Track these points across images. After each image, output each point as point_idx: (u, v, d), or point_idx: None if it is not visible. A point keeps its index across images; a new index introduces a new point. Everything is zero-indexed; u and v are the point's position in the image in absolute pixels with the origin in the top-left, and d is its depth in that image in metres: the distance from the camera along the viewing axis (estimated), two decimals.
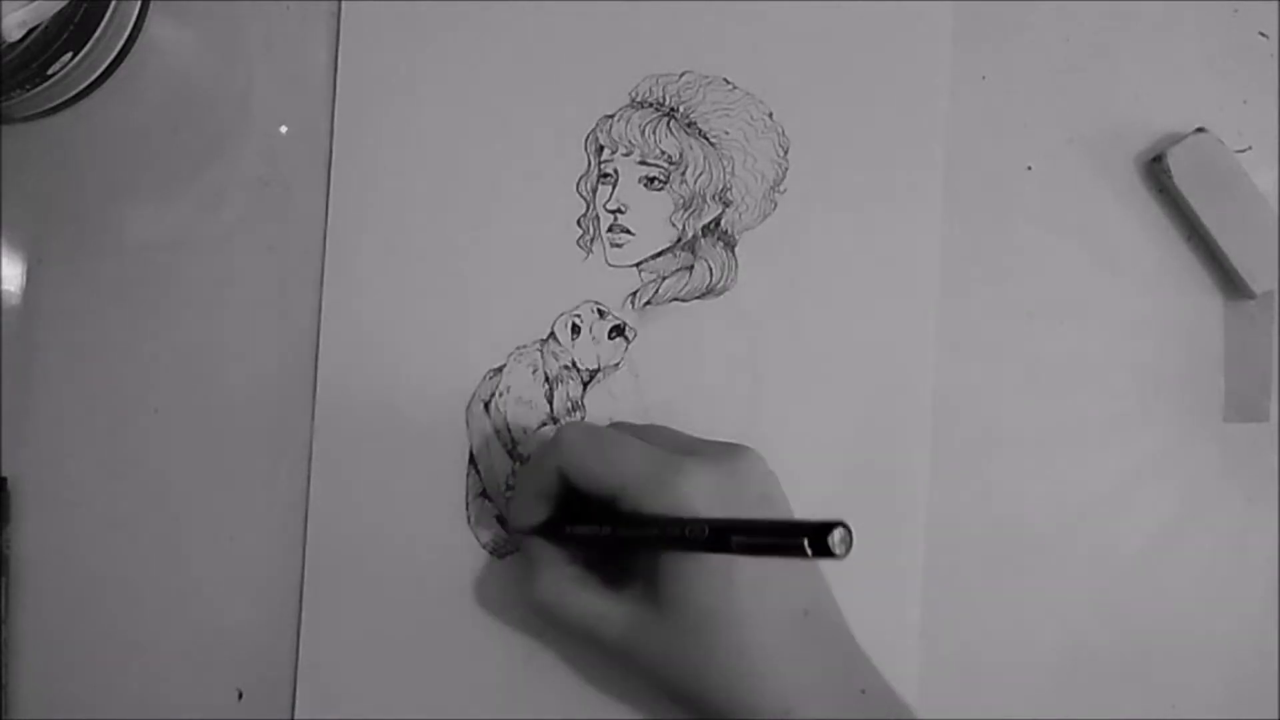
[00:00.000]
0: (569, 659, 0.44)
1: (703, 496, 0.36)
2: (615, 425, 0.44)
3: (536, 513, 0.41)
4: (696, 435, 0.43)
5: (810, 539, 0.30)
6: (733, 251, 0.45)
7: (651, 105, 0.45)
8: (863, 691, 0.38)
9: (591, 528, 0.39)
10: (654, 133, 0.45)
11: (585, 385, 0.45)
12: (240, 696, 0.44)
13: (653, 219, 0.45)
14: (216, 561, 0.44)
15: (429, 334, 0.45)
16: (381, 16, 0.45)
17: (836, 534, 0.29)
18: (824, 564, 0.40)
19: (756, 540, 0.33)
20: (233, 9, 0.46)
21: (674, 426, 0.44)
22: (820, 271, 0.45)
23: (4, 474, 0.44)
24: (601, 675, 0.44)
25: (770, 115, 0.46)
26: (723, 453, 0.39)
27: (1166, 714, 0.46)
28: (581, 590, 0.39)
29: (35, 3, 0.38)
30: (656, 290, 0.45)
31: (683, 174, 0.45)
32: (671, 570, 0.37)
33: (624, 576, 0.39)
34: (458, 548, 0.44)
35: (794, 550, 0.30)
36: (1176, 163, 0.45)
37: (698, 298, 0.45)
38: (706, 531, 0.34)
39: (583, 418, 0.45)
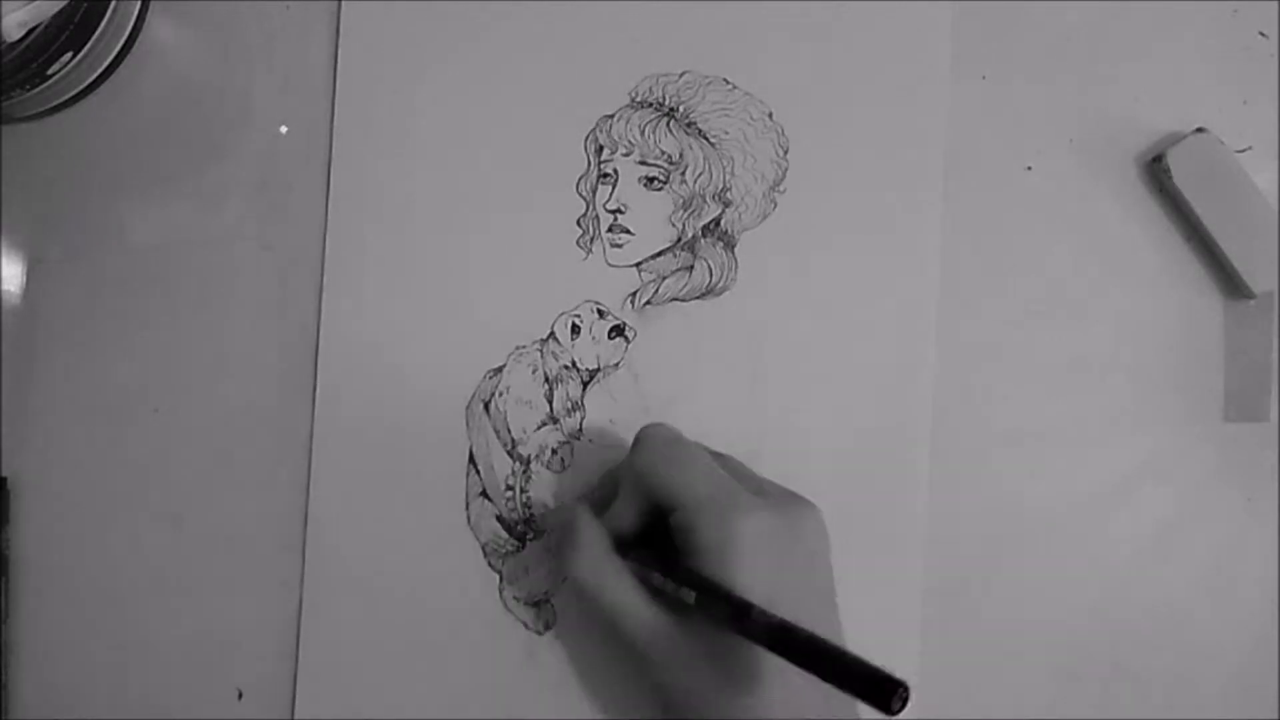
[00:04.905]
0: (569, 659, 0.44)
1: (753, 540, 0.36)
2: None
3: (603, 489, 0.42)
4: (697, 438, 0.42)
5: (873, 690, 0.30)
6: (732, 251, 0.45)
7: (651, 105, 0.45)
8: None
9: (650, 555, 0.39)
10: (654, 133, 0.45)
11: (585, 385, 0.45)
12: (240, 696, 0.44)
13: (652, 219, 0.45)
14: (216, 561, 0.44)
15: (429, 334, 0.45)
16: (381, 16, 0.45)
17: (899, 695, 0.30)
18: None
19: (815, 660, 0.32)
20: (233, 9, 0.46)
21: (674, 426, 0.44)
22: (820, 271, 0.45)
23: (4, 474, 0.44)
24: (602, 676, 0.44)
25: (770, 115, 0.46)
26: (785, 501, 0.39)
27: (1166, 714, 0.46)
28: (618, 580, 0.39)
29: (35, 3, 0.38)
30: (656, 290, 0.45)
31: (682, 174, 0.45)
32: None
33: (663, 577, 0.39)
34: (457, 548, 0.44)
35: (849, 689, 0.30)
36: (1176, 163, 0.45)
37: (697, 298, 0.45)
38: (773, 623, 0.34)
39: (582, 418, 0.45)
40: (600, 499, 0.42)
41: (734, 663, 0.36)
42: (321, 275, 0.45)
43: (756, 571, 0.36)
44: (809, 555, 0.39)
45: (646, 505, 0.40)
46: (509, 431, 0.45)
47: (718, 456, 0.42)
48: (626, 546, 0.40)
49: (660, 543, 0.39)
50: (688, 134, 0.45)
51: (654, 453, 0.39)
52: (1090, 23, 0.47)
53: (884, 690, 0.30)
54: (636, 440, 0.40)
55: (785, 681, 0.36)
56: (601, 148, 0.45)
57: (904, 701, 0.30)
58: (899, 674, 0.40)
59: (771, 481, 0.41)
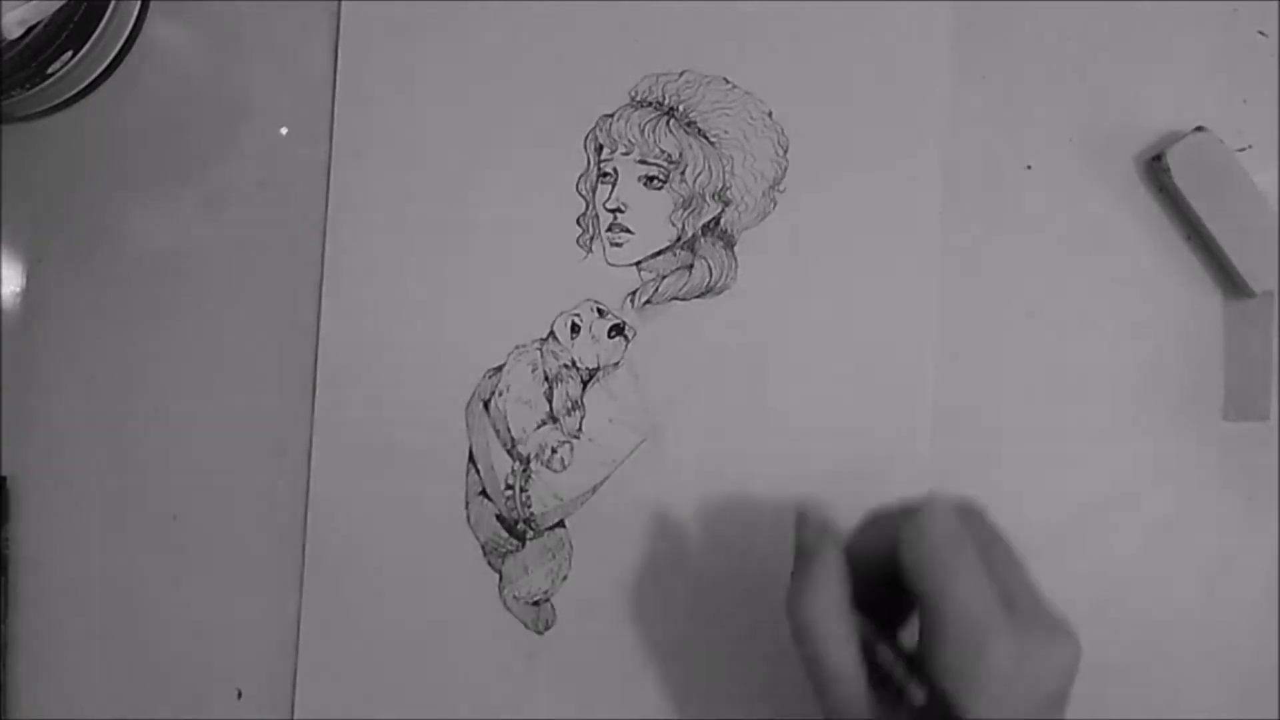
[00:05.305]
0: (569, 659, 0.44)
1: (1001, 678, 0.34)
2: (967, 511, 0.39)
3: (862, 535, 0.38)
4: (697, 437, 0.42)
5: None
6: (732, 250, 0.45)
7: (651, 104, 0.45)
8: None
9: (876, 628, 0.36)
10: (653, 132, 0.45)
11: (585, 384, 0.45)
12: (240, 696, 0.44)
13: (652, 218, 0.45)
14: (216, 561, 0.44)
15: (429, 334, 0.45)
16: (381, 16, 0.45)
17: None
18: None
19: None
20: (233, 9, 0.46)
21: (674, 426, 0.44)
22: (820, 271, 0.45)
23: (4, 474, 0.44)
24: (602, 676, 0.44)
25: (770, 114, 0.46)
26: (1044, 633, 0.36)
27: (1166, 714, 0.46)
28: (846, 643, 0.35)
29: (35, 1, 0.38)
30: (656, 289, 0.45)
31: (682, 173, 0.45)
32: None
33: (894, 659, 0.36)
34: (457, 547, 0.44)
35: None
36: (1176, 162, 0.45)
37: (697, 297, 0.45)
38: None
39: (582, 417, 0.45)
40: (848, 541, 0.38)
41: None
42: (321, 275, 0.45)
43: (995, 708, 0.34)
44: (1049, 699, 0.36)
45: (892, 574, 0.36)
46: (509, 430, 0.45)
47: (989, 543, 0.38)
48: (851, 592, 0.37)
49: (882, 599, 0.37)
50: (687, 133, 0.45)
51: (928, 546, 0.36)
52: (1090, 22, 0.47)
53: None
54: (916, 519, 0.36)
55: None
56: (601, 146, 0.45)
57: None
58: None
59: (1036, 597, 0.37)
